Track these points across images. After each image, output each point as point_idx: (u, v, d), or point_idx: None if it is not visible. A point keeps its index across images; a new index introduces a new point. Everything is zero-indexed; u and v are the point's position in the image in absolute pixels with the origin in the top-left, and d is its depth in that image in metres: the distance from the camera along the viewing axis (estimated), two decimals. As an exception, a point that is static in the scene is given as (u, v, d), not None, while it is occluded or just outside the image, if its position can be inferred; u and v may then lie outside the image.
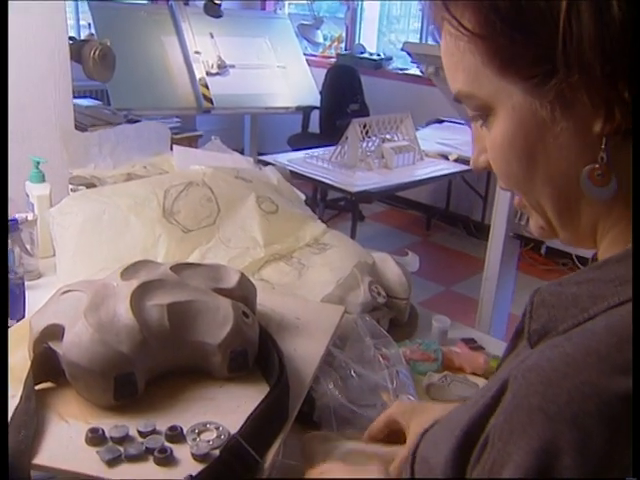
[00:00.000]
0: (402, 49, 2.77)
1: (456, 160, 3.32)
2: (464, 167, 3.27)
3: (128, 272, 0.89)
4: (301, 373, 0.86)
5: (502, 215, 2.29)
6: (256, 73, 4.25)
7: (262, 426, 0.74)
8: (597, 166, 0.44)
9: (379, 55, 4.50)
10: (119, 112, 3.39)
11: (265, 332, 0.89)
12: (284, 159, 3.17)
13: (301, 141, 4.12)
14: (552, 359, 0.40)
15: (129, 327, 0.78)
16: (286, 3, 4.51)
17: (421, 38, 4.55)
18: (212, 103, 3.99)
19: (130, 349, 0.77)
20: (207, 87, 4.02)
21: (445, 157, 3.34)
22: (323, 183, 3.01)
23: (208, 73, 4.07)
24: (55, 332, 0.80)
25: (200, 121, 4.45)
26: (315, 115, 4.36)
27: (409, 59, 4.65)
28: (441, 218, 4.35)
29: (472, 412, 0.47)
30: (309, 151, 3.24)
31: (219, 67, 4.11)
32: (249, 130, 4.52)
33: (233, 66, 4.19)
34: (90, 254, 1.23)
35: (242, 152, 2.59)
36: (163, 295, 0.84)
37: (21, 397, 0.75)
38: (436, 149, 3.42)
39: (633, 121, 0.42)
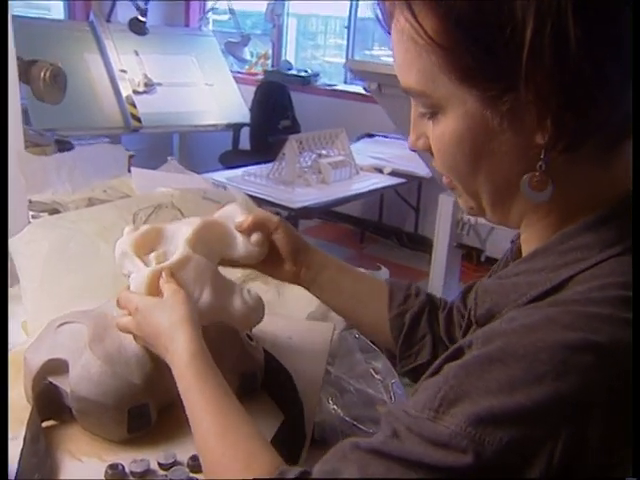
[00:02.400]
0: (344, 66, 2.82)
1: (390, 173, 3.40)
2: (399, 180, 3.36)
3: (124, 300, 0.86)
4: (307, 393, 0.86)
5: (445, 226, 2.37)
6: (184, 91, 4.20)
7: (283, 450, 0.73)
8: (537, 174, 0.48)
9: (306, 71, 4.55)
10: (46, 133, 3.26)
11: (268, 354, 0.89)
12: (221, 177, 3.14)
13: (233, 158, 4.10)
14: (511, 326, 0.45)
15: (138, 356, 0.76)
16: (210, 20, 4.49)
17: (347, 54, 4.64)
18: (140, 122, 3.91)
19: (142, 379, 0.75)
20: (134, 106, 3.94)
21: (380, 170, 3.42)
22: (264, 200, 3.00)
23: (135, 91, 3.99)
24: (56, 367, 0.77)
25: (126, 141, 4.33)
26: (245, 132, 4.36)
27: (340, 75, 4.75)
28: (374, 231, 4.44)
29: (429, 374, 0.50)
30: (246, 169, 3.23)
31: (146, 85, 4.03)
32: (177, 149, 4.45)
33: (160, 84, 4.12)
34: (58, 284, 1.18)
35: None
36: (167, 322, 0.82)
37: (25, 438, 0.72)
38: (370, 163, 3.49)
39: (633, 121, 0.47)
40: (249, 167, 3.24)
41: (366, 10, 4.53)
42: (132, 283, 0.77)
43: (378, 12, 0.52)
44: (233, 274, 1.23)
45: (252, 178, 3.14)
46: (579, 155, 0.47)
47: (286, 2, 4.73)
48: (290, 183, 3.10)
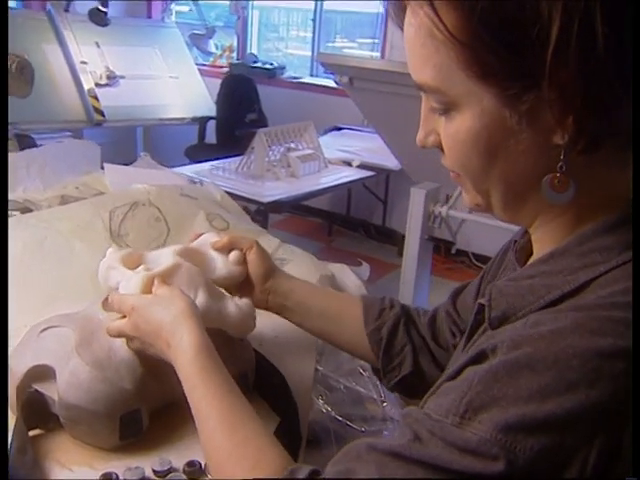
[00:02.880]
0: (316, 59, 2.80)
1: (359, 166, 3.40)
2: (368, 173, 3.36)
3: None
4: (299, 392, 0.85)
5: (417, 219, 2.37)
6: (148, 84, 4.12)
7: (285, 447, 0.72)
8: (558, 175, 0.47)
9: (272, 64, 4.51)
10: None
11: (258, 354, 0.87)
12: (189, 171, 3.09)
13: (199, 152, 4.04)
14: (538, 331, 0.44)
15: (128, 361, 0.74)
16: (174, 11, 4.41)
17: (313, 46, 4.61)
18: (103, 116, 3.82)
19: (133, 384, 0.73)
20: (97, 99, 3.84)
21: (348, 164, 3.41)
22: (233, 195, 2.97)
23: (97, 84, 3.89)
24: (42, 374, 0.74)
25: (88, 135, 4.23)
26: (211, 125, 4.30)
27: (305, 68, 4.72)
28: (342, 224, 4.43)
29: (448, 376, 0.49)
30: (214, 163, 3.18)
31: (108, 78, 3.94)
32: (142, 143, 4.37)
33: (123, 77, 4.03)
34: (33, 285, 1.14)
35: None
36: (156, 324, 0.80)
37: (11, 449, 0.69)
38: (338, 156, 3.48)
39: (633, 122, 0.46)
40: (217, 161, 3.20)
41: (331, 3, 4.52)
42: (123, 288, 0.75)
43: (390, 7, 0.51)
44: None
45: (220, 172, 3.10)
46: (597, 156, 0.47)
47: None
48: (259, 177, 3.07)
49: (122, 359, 0.74)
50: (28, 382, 0.74)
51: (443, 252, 3.72)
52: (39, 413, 0.74)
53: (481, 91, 0.47)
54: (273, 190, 2.97)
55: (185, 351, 0.63)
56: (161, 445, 0.74)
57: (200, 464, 0.70)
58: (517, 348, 0.44)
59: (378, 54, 4.29)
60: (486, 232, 2.29)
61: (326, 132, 3.87)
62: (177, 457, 0.71)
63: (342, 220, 4.45)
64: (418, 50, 0.49)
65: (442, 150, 0.53)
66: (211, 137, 4.35)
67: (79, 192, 1.32)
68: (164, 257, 0.80)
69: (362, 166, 3.39)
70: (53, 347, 0.76)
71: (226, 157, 3.23)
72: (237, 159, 3.15)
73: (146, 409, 0.74)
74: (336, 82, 2.20)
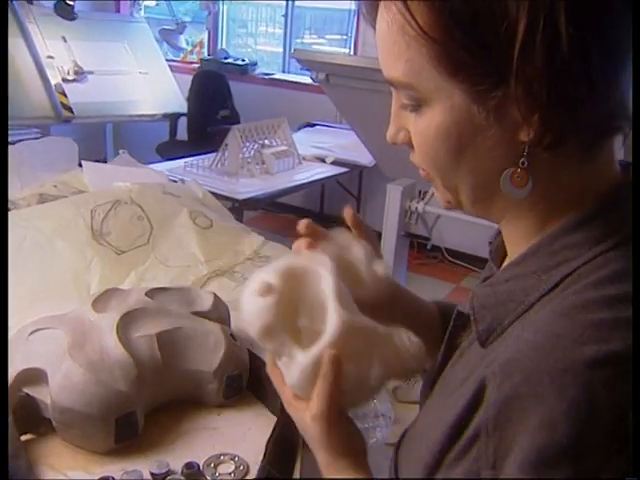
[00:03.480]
0: (292, 56, 2.78)
1: (333, 162, 3.40)
2: (342, 169, 3.36)
3: (99, 303, 0.82)
4: (293, 390, 0.85)
5: (393, 216, 2.38)
6: (117, 79, 4.05)
7: (281, 450, 0.72)
8: (518, 170, 0.48)
9: (243, 60, 4.47)
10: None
11: (251, 353, 0.87)
12: (163, 168, 3.05)
13: (170, 149, 3.99)
14: (521, 350, 0.45)
15: (122, 362, 0.73)
16: (143, 4, 4.34)
17: (285, 42, 4.59)
18: (72, 112, 3.75)
19: (128, 386, 0.72)
20: (65, 95, 3.76)
21: (322, 160, 3.41)
22: (208, 192, 2.94)
23: (64, 80, 3.81)
24: (33, 377, 0.73)
25: (56, 132, 4.14)
26: (182, 122, 4.24)
27: (275, 64, 4.69)
28: (316, 220, 4.40)
29: (454, 412, 0.48)
30: (187, 159, 3.15)
31: (76, 73, 3.86)
32: (111, 140, 4.30)
33: (92, 72, 3.95)
34: (13, 284, 1.11)
35: (105, 162, 2.45)
36: (148, 325, 0.79)
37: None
38: (312, 153, 3.47)
39: (633, 123, 0.47)
40: (190, 158, 3.16)
41: (302, -2, 4.50)
42: (287, 374, 0.58)
43: (363, 4, 0.51)
44: (198, 273, 1.20)
45: (194, 169, 3.07)
46: (563, 152, 0.47)
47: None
48: (234, 174, 3.04)
49: (116, 361, 0.73)
50: (18, 386, 0.72)
51: (416, 248, 3.74)
52: (30, 417, 0.72)
53: (451, 87, 0.47)
54: (248, 187, 2.95)
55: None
56: (157, 447, 0.73)
57: (198, 465, 0.69)
58: (508, 378, 0.44)
59: (347, 50, 4.29)
60: (459, 228, 2.31)
61: (299, 129, 3.86)
62: (174, 459, 0.70)
63: (316, 217, 4.44)
64: (390, 46, 0.49)
65: (412, 147, 0.53)
66: (182, 134, 4.30)
67: (58, 190, 1.29)
68: (322, 292, 0.58)
69: (336, 162, 3.39)
70: (43, 350, 0.74)
71: (198, 154, 3.19)
72: (210, 156, 3.12)
73: (141, 411, 0.73)
74: (312, 79, 2.19)
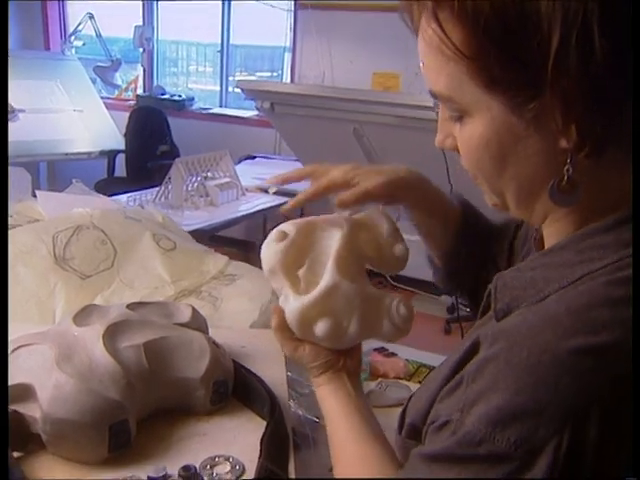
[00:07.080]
0: (237, 86, 2.82)
1: (275, 193, 3.44)
2: (285, 199, 3.40)
3: (80, 318, 0.82)
4: (278, 397, 0.86)
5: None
6: (51, 118, 3.99)
7: (274, 451, 0.73)
8: (564, 178, 0.51)
9: (180, 96, 4.49)
10: None
11: (236, 363, 0.88)
12: (105, 204, 3.02)
13: (109, 186, 3.93)
14: (516, 324, 0.49)
15: (112, 371, 0.73)
16: (74, 44, 4.30)
17: (222, 78, 4.64)
18: (5, 151, 3.65)
19: (119, 394, 0.72)
20: (-4, 134, 3.67)
21: (265, 191, 3.45)
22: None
23: (-5, 119, 3.72)
24: (20, 393, 0.72)
25: (-13, 171, 4.02)
26: (120, 158, 4.20)
27: (211, 99, 4.73)
28: (259, 252, 4.43)
29: (453, 359, 0.54)
30: (130, 194, 3.12)
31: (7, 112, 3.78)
32: (45, 179, 4.21)
33: (23, 110, 3.88)
34: (-25, 314, 1.08)
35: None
36: (134, 335, 0.79)
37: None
38: (254, 184, 3.51)
39: (633, 123, 0.49)
40: (132, 193, 3.13)
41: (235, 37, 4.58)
42: (285, 309, 0.68)
43: (406, 18, 0.54)
44: (165, 294, 1.20)
45: (137, 203, 3.04)
46: (603, 158, 0.49)
47: (155, 27, 4.67)
48: (178, 207, 3.04)
49: (105, 370, 0.73)
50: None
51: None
52: (18, 435, 0.71)
53: (489, 100, 0.50)
54: (193, 219, 2.95)
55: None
56: (150, 455, 0.73)
57: (195, 468, 0.70)
58: (496, 343, 0.48)
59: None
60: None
61: (240, 161, 3.89)
62: (170, 463, 0.70)
63: (258, 249, 4.45)
64: (432, 62, 0.52)
65: (459, 152, 0.56)
66: (120, 170, 4.25)
67: (14, 220, 1.27)
68: (329, 247, 0.68)
69: (279, 192, 3.43)
70: (29, 365, 0.74)
71: (137, 190, 3.16)
72: (153, 190, 3.10)
73: (133, 419, 0.73)
74: (257, 108, 2.24)
